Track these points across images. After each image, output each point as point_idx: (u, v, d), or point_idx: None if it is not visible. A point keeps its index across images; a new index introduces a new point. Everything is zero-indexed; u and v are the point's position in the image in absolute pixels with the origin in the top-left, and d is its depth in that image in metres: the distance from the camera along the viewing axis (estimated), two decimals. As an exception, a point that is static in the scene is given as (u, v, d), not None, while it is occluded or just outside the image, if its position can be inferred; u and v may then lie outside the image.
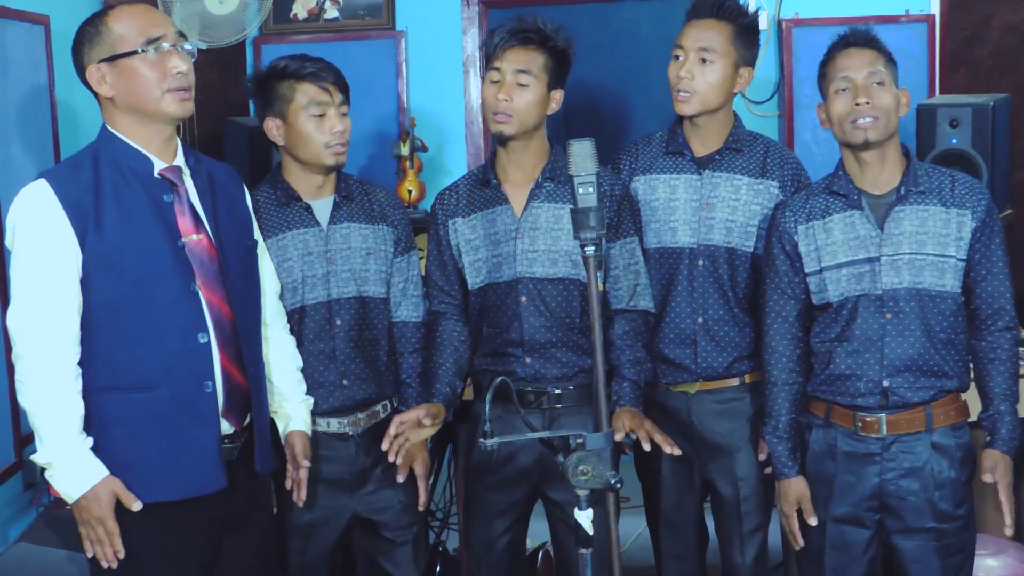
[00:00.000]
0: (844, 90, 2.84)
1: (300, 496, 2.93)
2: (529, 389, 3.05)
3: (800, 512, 2.95)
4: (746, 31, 3.12)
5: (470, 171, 3.30)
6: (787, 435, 2.96)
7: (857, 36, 2.88)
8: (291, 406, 2.94)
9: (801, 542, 2.97)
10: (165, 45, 2.59)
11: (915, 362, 2.82)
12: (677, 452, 2.89)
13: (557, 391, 3.06)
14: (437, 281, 3.16)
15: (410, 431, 2.94)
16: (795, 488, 2.96)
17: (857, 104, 2.80)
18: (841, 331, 2.87)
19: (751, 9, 3.14)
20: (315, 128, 3.00)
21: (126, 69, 2.58)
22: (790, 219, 2.94)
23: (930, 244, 2.82)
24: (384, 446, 2.92)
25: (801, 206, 2.94)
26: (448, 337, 3.12)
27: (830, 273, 2.88)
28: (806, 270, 2.91)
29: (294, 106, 3.01)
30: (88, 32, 2.62)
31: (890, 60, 2.88)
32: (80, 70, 2.64)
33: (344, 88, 3.06)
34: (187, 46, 2.65)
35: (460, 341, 3.13)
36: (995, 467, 2.84)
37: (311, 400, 3.00)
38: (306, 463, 2.91)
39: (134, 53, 2.57)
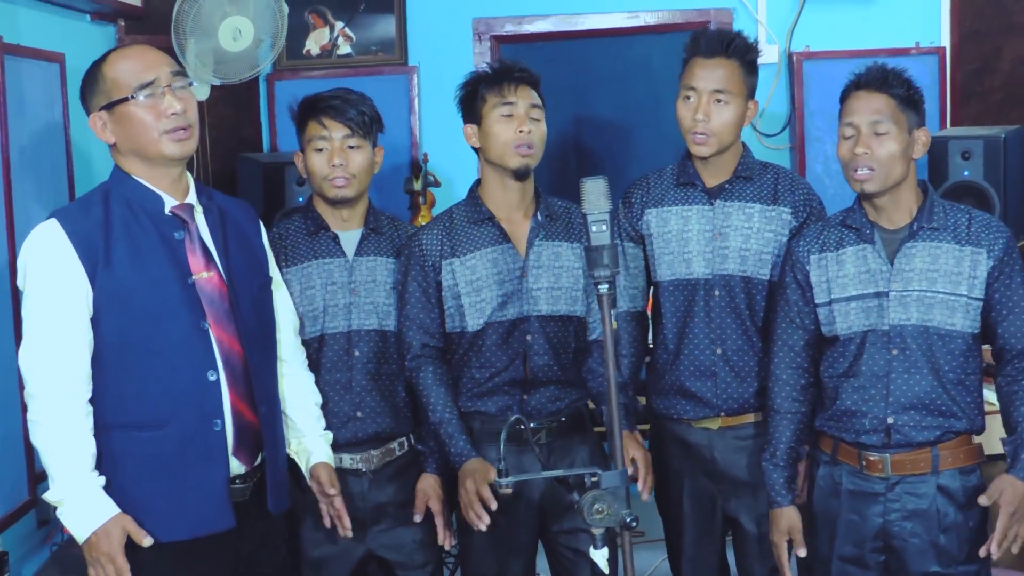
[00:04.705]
0: (848, 137, 2.81)
1: (345, 526, 2.91)
2: (523, 427, 3.02)
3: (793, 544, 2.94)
4: (751, 65, 3.12)
5: (450, 209, 3.18)
6: (783, 463, 2.95)
7: (869, 78, 2.80)
8: (310, 441, 2.93)
9: (789, 575, 2.94)
10: (159, 88, 2.58)
11: (921, 401, 2.78)
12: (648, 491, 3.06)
13: (553, 425, 3.07)
14: (423, 324, 3.06)
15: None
16: (786, 518, 2.94)
17: (855, 153, 2.78)
18: (849, 366, 2.85)
19: (751, 40, 3.14)
20: (316, 162, 3.06)
21: (123, 116, 2.59)
22: (803, 248, 2.93)
23: (940, 281, 2.78)
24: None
25: (816, 237, 2.93)
26: (443, 384, 3.04)
27: (839, 306, 2.85)
28: (816, 301, 2.89)
29: (304, 141, 3.10)
30: (88, 80, 2.64)
31: (907, 101, 2.78)
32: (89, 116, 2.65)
33: (355, 122, 3.06)
34: (180, 85, 2.62)
35: (450, 387, 3.06)
36: (1002, 491, 2.72)
37: (330, 435, 2.99)
38: (333, 491, 2.88)
39: (127, 100, 2.57)
